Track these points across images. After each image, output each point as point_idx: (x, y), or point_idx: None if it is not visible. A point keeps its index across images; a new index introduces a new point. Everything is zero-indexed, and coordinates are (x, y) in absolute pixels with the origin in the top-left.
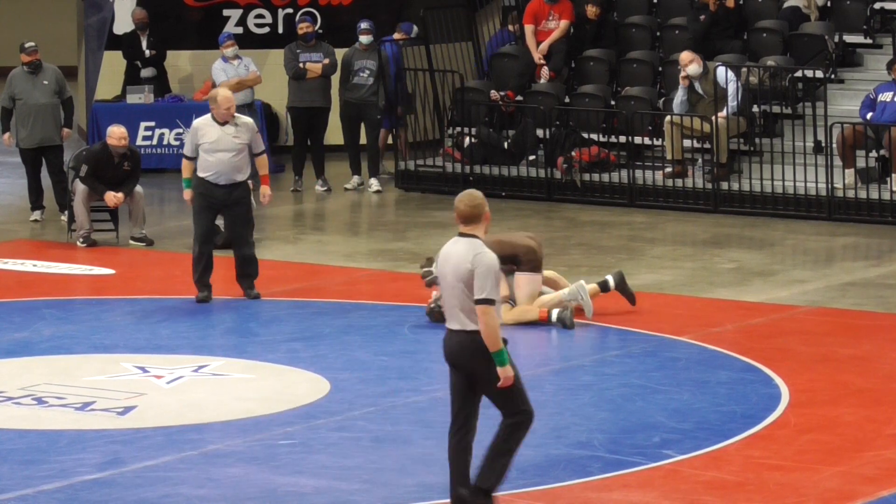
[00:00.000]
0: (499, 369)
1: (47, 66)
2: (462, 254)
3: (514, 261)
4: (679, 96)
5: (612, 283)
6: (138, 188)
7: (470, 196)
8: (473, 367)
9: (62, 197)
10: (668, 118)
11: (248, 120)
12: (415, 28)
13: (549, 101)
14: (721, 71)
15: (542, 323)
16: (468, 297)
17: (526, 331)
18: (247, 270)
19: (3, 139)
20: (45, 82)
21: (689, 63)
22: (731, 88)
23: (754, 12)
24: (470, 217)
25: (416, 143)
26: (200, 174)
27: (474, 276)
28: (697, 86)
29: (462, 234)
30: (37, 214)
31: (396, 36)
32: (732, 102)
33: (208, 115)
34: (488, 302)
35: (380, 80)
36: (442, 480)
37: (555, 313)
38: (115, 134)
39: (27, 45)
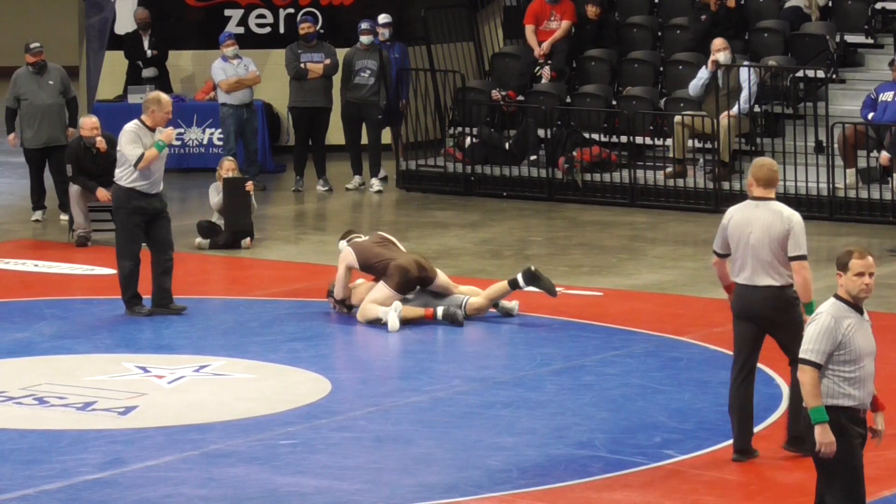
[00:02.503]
0: (807, 318)
1: (52, 67)
2: (769, 216)
3: (383, 271)
4: (701, 77)
5: (521, 281)
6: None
7: (770, 162)
8: (776, 317)
9: (65, 197)
10: (677, 118)
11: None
12: (380, 17)
13: (551, 100)
14: (744, 71)
15: (428, 321)
16: (778, 255)
17: (526, 331)
18: (167, 279)
19: (9, 140)
20: (51, 82)
21: (722, 49)
22: (750, 90)
23: (755, 12)
24: (770, 181)
25: (417, 143)
26: (135, 185)
27: (790, 234)
28: (720, 75)
29: (757, 199)
30: (38, 214)
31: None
32: (745, 105)
33: (137, 122)
34: (804, 258)
35: (381, 80)
36: (442, 480)
37: (440, 311)
38: (87, 125)
39: (32, 45)
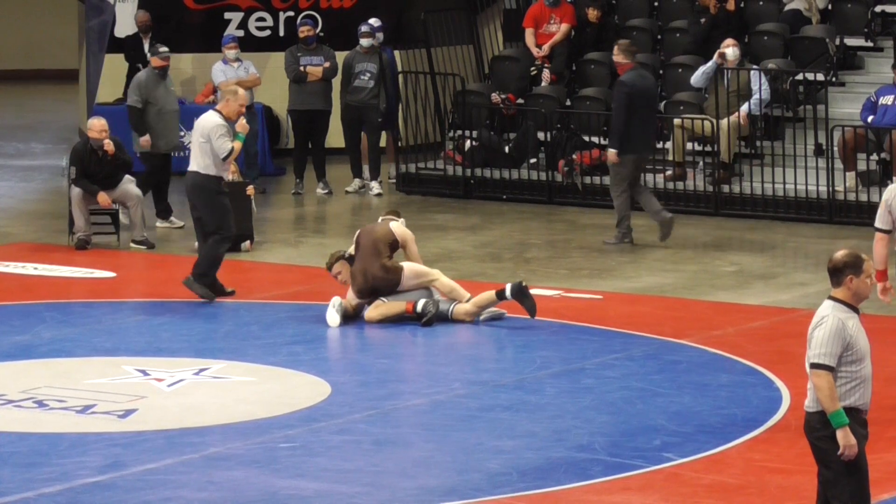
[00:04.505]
0: None
1: (169, 72)
2: None
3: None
4: (705, 69)
5: (508, 292)
6: (136, 191)
7: None
8: None
9: (162, 203)
10: (676, 121)
11: None
12: (372, 21)
13: (550, 104)
14: (754, 74)
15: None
16: None
17: (526, 334)
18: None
19: (143, 142)
20: (172, 87)
21: (731, 46)
22: (761, 94)
23: (755, 15)
24: None
25: (417, 146)
26: (224, 174)
27: None
28: (726, 74)
29: None
30: (169, 221)
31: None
32: (756, 108)
33: (218, 115)
34: None
35: (380, 83)
36: (442, 483)
37: (420, 304)
38: (96, 126)
39: (161, 49)
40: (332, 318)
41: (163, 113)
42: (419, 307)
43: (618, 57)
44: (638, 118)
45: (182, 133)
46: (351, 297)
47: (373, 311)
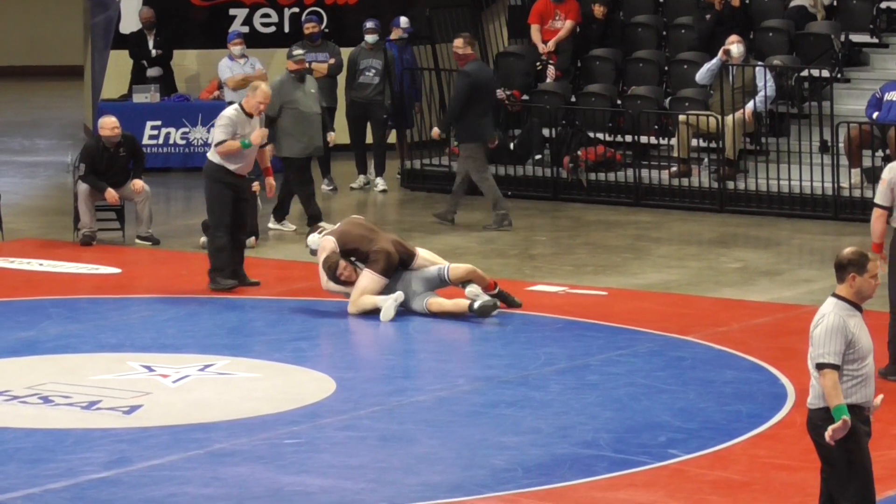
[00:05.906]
0: None
1: (308, 76)
2: None
3: (364, 257)
4: (710, 66)
5: (477, 306)
6: (146, 187)
7: None
8: None
9: (312, 208)
10: (681, 117)
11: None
12: (403, 20)
13: (555, 100)
14: (760, 71)
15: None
16: None
17: (531, 330)
18: (238, 256)
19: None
20: (312, 91)
21: (735, 42)
22: (767, 91)
23: (760, 11)
24: None
25: (422, 142)
26: (227, 165)
27: None
28: (731, 70)
29: None
30: (282, 224)
31: (393, 36)
32: (761, 105)
33: (236, 108)
34: None
35: (385, 80)
36: (447, 479)
37: (476, 304)
38: (108, 124)
39: (296, 52)
40: (389, 313)
41: (302, 116)
42: (476, 306)
43: (462, 49)
44: (481, 107)
45: (188, 129)
46: (367, 285)
47: (436, 305)
